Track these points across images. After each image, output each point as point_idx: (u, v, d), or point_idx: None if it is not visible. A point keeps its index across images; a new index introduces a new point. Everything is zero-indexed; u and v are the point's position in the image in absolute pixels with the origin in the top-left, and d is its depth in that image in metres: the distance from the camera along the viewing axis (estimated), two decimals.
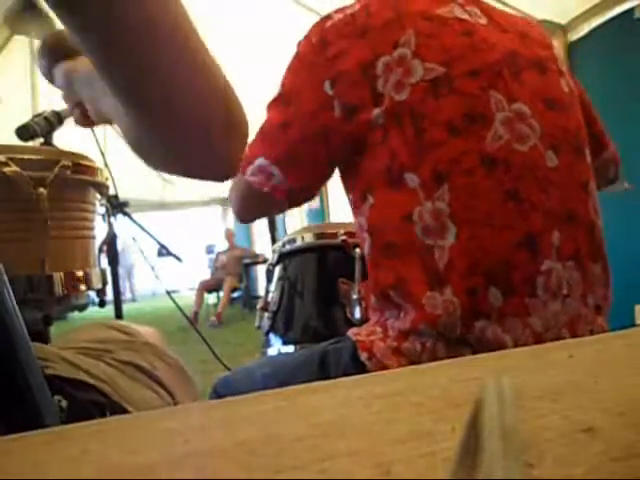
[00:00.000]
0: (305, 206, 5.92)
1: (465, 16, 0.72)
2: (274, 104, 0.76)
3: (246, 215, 0.89)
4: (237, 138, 0.42)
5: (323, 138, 0.72)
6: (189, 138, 0.39)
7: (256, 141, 0.77)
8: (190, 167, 0.44)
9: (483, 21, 0.73)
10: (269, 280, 1.29)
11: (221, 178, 0.46)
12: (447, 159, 0.66)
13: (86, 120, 0.62)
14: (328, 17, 0.74)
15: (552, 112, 0.71)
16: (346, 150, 0.73)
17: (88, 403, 0.51)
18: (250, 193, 0.77)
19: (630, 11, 2.61)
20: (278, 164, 0.74)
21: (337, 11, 0.74)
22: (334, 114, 0.70)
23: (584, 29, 2.83)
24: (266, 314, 1.23)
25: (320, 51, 0.71)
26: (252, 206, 0.85)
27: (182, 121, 0.38)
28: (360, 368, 0.70)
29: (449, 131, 0.66)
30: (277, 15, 3.76)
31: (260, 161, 0.74)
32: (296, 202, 0.82)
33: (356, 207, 0.76)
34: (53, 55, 0.59)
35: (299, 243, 1.23)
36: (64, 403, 0.46)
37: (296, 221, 5.85)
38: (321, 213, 5.69)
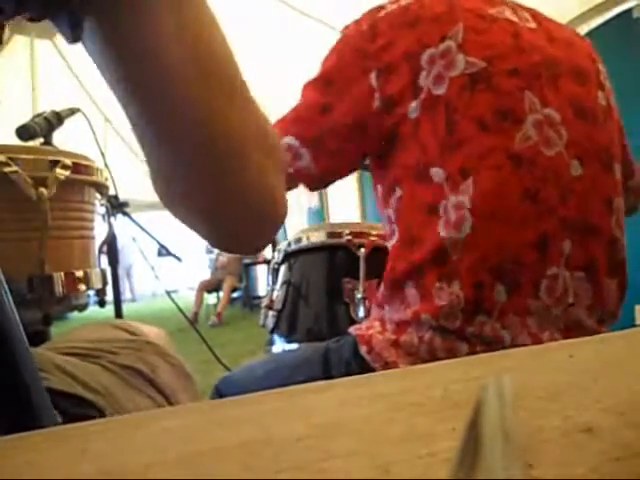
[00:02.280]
0: (305, 206, 5.93)
1: (515, 18, 0.72)
2: (313, 83, 0.74)
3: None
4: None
5: (360, 129, 0.72)
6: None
7: (287, 118, 0.75)
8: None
9: (532, 25, 0.73)
10: (274, 279, 1.30)
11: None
12: (475, 154, 0.66)
13: None
14: (382, 7, 0.73)
15: (583, 122, 0.71)
16: (380, 142, 0.72)
17: (79, 417, 0.51)
18: None
19: (629, 11, 2.61)
20: (309, 147, 0.72)
21: (391, 2, 0.73)
22: (373, 105, 0.70)
23: (584, 29, 2.83)
24: (270, 312, 1.23)
25: (370, 39, 0.71)
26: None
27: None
28: (361, 363, 0.71)
29: (479, 127, 0.66)
30: (266, 17, 3.76)
31: (289, 139, 0.73)
32: (315, 187, 0.80)
33: (384, 198, 0.75)
34: None
35: (305, 242, 1.23)
36: (59, 419, 0.45)
37: (296, 221, 5.86)
38: (321, 213, 5.70)
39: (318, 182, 0.78)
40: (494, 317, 0.66)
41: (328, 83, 0.73)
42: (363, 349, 0.71)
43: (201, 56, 0.31)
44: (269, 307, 1.24)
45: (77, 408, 0.51)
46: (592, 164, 0.70)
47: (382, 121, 0.70)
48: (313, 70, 0.76)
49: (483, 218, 0.65)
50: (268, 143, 0.37)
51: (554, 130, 0.68)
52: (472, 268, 0.65)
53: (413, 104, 0.67)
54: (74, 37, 0.28)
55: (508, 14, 0.72)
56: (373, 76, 0.70)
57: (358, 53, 0.71)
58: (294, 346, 1.14)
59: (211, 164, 0.34)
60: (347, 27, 0.75)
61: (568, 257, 0.67)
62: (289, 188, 0.83)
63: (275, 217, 0.41)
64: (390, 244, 0.75)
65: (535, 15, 0.76)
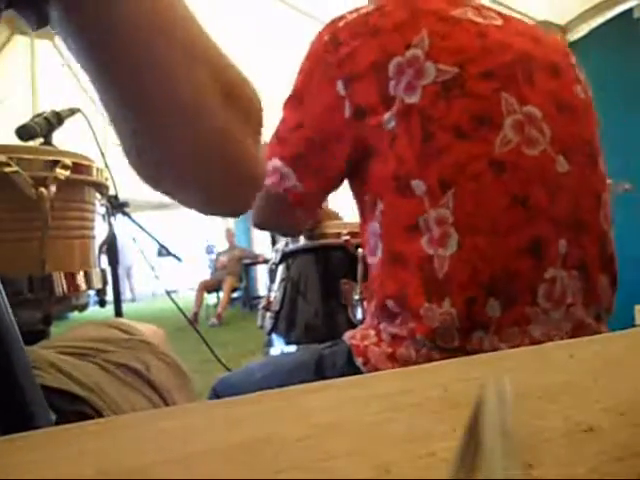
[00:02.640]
0: None
1: (479, 19, 0.71)
2: (288, 104, 0.75)
3: (262, 219, 0.86)
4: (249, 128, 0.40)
5: (335, 140, 0.71)
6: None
7: (272, 142, 0.75)
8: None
9: (498, 22, 0.72)
10: (271, 279, 1.29)
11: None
12: (453, 164, 0.64)
13: None
14: (342, 17, 0.73)
15: (564, 117, 0.69)
16: (355, 153, 0.71)
17: (73, 415, 0.51)
18: (265, 195, 0.75)
19: (629, 11, 2.61)
20: (291, 166, 0.73)
21: (351, 11, 0.73)
22: (344, 115, 0.69)
23: (583, 29, 2.83)
24: (268, 314, 1.23)
25: (332, 50, 0.70)
26: (267, 209, 0.81)
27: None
28: (355, 372, 0.70)
29: (456, 135, 0.64)
30: (265, 16, 3.76)
31: (275, 162, 0.73)
32: (309, 206, 0.80)
33: (367, 213, 0.74)
34: None
35: (302, 243, 1.23)
36: (53, 416, 0.45)
37: None
38: None
39: (309, 200, 0.77)
40: (491, 331, 0.64)
41: (299, 101, 0.74)
42: (359, 360, 0.70)
43: (160, 19, 0.33)
44: (267, 308, 1.24)
45: (71, 405, 0.51)
46: (578, 159, 0.69)
47: (353, 130, 0.69)
48: None
49: (469, 233, 0.64)
50: (236, 95, 0.38)
51: (536, 128, 0.66)
52: (462, 285, 0.63)
53: (387, 115, 0.66)
54: (39, 25, 0.30)
55: (471, 15, 0.70)
56: (340, 85, 0.69)
57: (322, 65, 0.71)
58: (292, 348, 1.14)
59: (178, 119, 0.35)
60: (312, 42, 0.74)
61: (565, 256, 0.66)
62: (288, 216, 0.82)
63: (251, 173, 0.42)
64: (373, 260, 0.74)
65: (501, 13, 0.75)
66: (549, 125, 0.67)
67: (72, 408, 0.51)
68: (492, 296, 0.64)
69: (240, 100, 0.38)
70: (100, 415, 0.52)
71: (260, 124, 0.41)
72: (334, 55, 0.69)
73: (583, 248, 0.68)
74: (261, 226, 0.89)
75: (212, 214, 0.48)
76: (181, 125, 0.35)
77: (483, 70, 0.66)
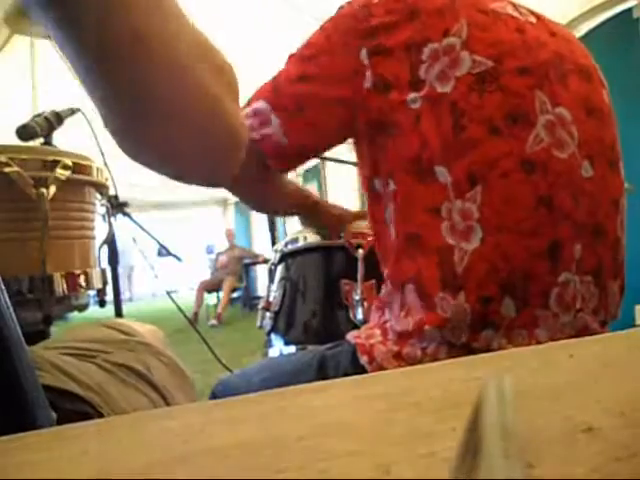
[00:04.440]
0: None
1: (516, 14, 0.70)
2: (294, 58, 0.72)
3: (223, 168, 0.71)
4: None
5: (345, 105, 0.68)
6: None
7: (264, 87, 0.71)
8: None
9: (533, 20, 0.71)
10: (271, 280, 1.29)
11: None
12: (484, 160, 0.63)
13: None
14: None
15: (592, 121, 0.69)
16: (367, 125, 0.69)
17: (74, 414, 0.51)
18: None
19: (629, 11, 2.61)
20: (281, 113, 0.68)
21: None
22: (363, 84, 0.67)
23: (583, 29, 2.83)
24: (268, 314, 1.23)
25: (363, 19, 0.67)
26: (231, 156, 0.72)
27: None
28: (360, 372, 0.69)
29: (489, 130, 0.63)
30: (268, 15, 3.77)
31: (259, 104, 0.69)
32: (284, 163, 0.75)
33: (376, 192, 0.72)
34: None
35: (301, 243, 1.22)
36: (54, 415, 0.45)
37: (296, 221, 5.84)
38: None
39: (286, 155, 0.72)
40: (501, 332, 0.64)
41: (310, 57, 0.70)
42: (364, 359, 0.69)
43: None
44: (266, 309, 1.23)
45: (72, 405, 0.52)
46: (601, 164, 0.69)
47: (373, 102, 0.67)
48: None
49: (493, 230, 0.63)
50: (213, 60, 0.38)
51: (566, 130, 0.66)
52: (480, 281, 0.63)
53: (412, 95, 0.64)
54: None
55: (510, 9, 0.70)
56: (364, 54, 0.66)
57: (347, 28, 0.68)
58: (292, 348, 1.14)
59: (152, 78, 0.35)
60: (340, 7, 0.71)
61: (579, 261, 0.66)
62: (250, 162, 0.66)
63: (233, 139, 0.41)
64: (384, 244, 0.72)
65: (533, 12, 0.74)
66: (578, 128, 0.67)
67: (74, 408, 0.51)
68: (509, 295, 0.63)
69: (223, 70, 0.39)
70: (102, 415, 0.53)
71: (238, 103, 0.41)
72: (363, 23, 0.67)
73: (597, 254, 0.68)
74: (220, 180, 0.75)
75: (196, 182, 0.46)
76: (160, 83, 0.35)
77: (520, 65, 0.65)
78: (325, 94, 0.68)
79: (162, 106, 0.36)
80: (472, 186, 0.63)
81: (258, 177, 0.79)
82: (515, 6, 0.72)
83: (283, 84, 0.70)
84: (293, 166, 0.78)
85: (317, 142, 0.73)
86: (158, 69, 0.34)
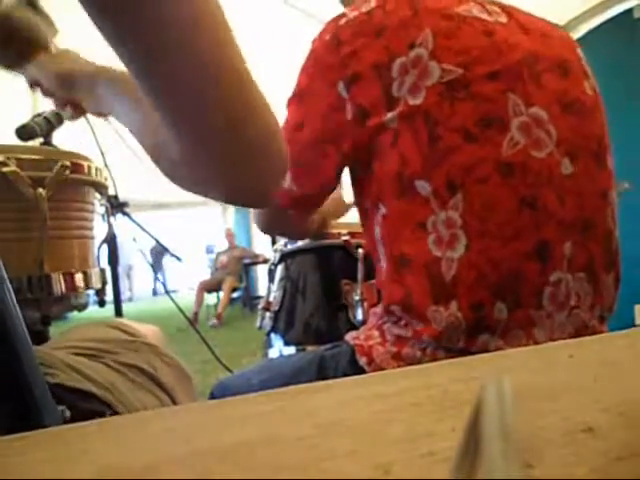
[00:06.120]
0: None
1: (484, 15, 0.69)
2: (291, 103, 0.74)
3: (261, 225, 0.86)
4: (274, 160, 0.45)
5: (333, 141, 0.70)
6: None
7: None
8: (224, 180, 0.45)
9: (503, 20, 0.70)
10: (271, 280, 1.29)
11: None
12: (461, 166, 0.63)
13: (78, 112, 0.63)
14: (343, 15, 0.71)
15: (571, 117, 0.69)
16: (356, 155, 0.70)
17: (89, 413, 0.51)
18: None
19: (629, 11, 2.61)
20: (289, 167, 0.72)
21: (352, 9, 0.71)
22: (346, 116, 0.68)
23: (583, 29, 2.83)
24: (268, 314, 1.23)
25: (334, 50, 0.69)
26: (262, 213, 0.83)
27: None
28: (359, 373, 0.69)
29: (464, 137, 0.63)
30: (267, 16, 3.76)
31: None
32: (302, 209, 0.79)
33: (368, 216, 0.73)
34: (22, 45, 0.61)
35: (301, 243, 1.22)
36: (67, 413, 0.46)
37: None
38: None
39: (301, 204, 0.76)
40: (497, 334, 0.64)
41: (301, 100, 0.73)
42: (363, 360, 0.70)
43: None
44: (266, 309, 1.23)
45: (87, 403, 0.53)
46: (583, 159, 0.68)
47: (355, 132, 0.68)
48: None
49: (477, 236, 0.63)
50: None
51: (543, 130, 0.66)
52: (470, 288, 0.63)
53: (389, 115, 0.65)
54: None
55: (476, 11, 0.69)
56: (341, 86, 0.68)
57: (323, 66, 0.70)
58: (291, 349, 1.14)
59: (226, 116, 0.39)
60: (313, 41, 0.73)
61: (570, 259, 0.66)
62: (283, 220, 0.83)
63: (285, 163, 0.46)
64: (380, 265, 0.73)
65: (504, 7, 0.73)
66: (556, 126, 0.66)
67: (88, 405, 0.52)
68: (500, 299, 0.63)
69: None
70: (114, 413, 0.53)
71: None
72: (335, 55, 0.68)
73: (588, 250, 0.68)
74: (263, 231, 0.89)
75: (243, 203, 0.50)
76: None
77: (489, 71, 0.65)
78: (316, 137, 0.71)
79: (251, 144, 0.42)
80: (452, 194, 0.63)
81: (284, 226, 0.89)
82: (483, 6, 0.70)
83: (286, 135, 0.74)
84: (312, 210, 0.84)
85: (320, 186, 0.76)
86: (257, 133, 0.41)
